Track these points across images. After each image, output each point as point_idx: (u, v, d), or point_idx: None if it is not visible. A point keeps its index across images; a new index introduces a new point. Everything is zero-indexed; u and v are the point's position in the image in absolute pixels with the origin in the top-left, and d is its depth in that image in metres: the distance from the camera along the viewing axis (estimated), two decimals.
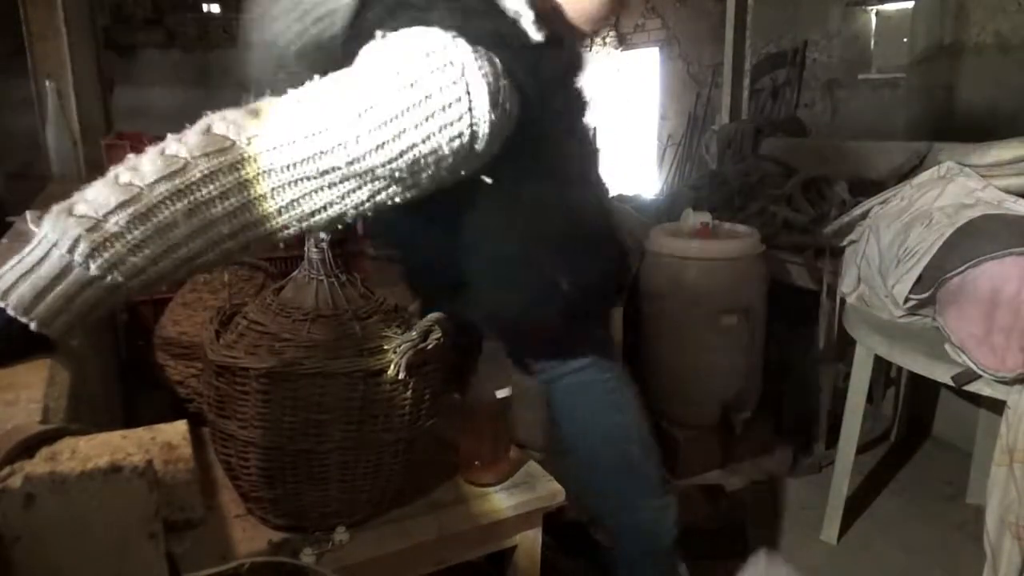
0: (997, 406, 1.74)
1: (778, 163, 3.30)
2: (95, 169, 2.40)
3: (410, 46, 0.88)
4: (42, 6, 2.58)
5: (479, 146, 0.89)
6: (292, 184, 0.87)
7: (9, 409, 0.76)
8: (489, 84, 0.86)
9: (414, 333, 1.22)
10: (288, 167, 0.87)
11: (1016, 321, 1.61)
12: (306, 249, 1.28)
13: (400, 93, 0.85)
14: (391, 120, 0.85)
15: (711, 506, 2.29)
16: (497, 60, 0.89)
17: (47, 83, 2.50)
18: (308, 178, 0.87)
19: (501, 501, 1.36)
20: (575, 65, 1.17)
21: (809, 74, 5.02)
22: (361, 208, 0.93)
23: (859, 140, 3.46)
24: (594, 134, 1.34)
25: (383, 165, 0.87)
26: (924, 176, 2.16)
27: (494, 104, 0.87)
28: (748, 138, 3.83)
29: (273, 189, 0.87)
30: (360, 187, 0.90)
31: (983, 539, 1.68)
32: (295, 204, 0.89)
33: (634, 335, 2.68)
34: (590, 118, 1.24)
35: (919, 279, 1.86)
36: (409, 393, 1.22)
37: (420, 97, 0.85)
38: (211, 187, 0.85)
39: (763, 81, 5.23)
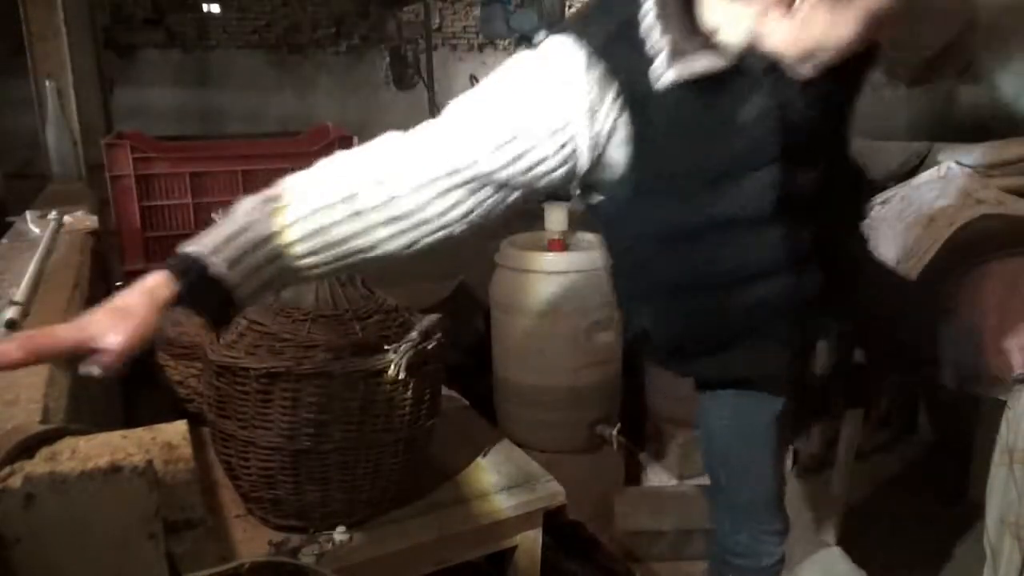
0: (997, 406, 1.74)
1: None
2: (95, 169, 2.40)
3: (533, 52, 0.93)
4: (42, 6, 2.57)
5: (581, 161, 0.92)
6: (431, 183, 0.90)
7: (9, 409, 0.76)
8: (591, 97, 0.89)
9: (414, 333, 1.22)
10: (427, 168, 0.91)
11: (1016, 321, 1.61)
12: None
13: (513, 98, 0.90)
14: (505, 126, 0.89)
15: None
16: (615, 82, 0.89)
17: (47, 83, 2.50)
18: (439, 178, 0.91)
19: (501, 501, 1.36)
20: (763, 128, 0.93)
21: None
22: (492, 212, 0.95)
23: (859, 140, 3.46)
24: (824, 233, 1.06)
25: (501, 169, 0.90)
26: (924, 176, 2.16)
27: (592, 118, 0.89)
28: None
29: (416, 188, 0.91)
30: (481, 190, 0.93)
31: (983, 539, 1.68)
32: (433, 203, 0.91)
33: None
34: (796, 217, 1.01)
35: (919, 279, 1.86)
36: (409, 393, 1.22)
37: (530, 102, 0.89)
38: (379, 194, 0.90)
39: None
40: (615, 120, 0.91)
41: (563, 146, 0.90)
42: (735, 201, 0.98)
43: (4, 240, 1.65)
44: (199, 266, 0.82)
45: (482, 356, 2.67)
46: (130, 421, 1.53)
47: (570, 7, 8.32)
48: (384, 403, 1.20)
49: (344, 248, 0.90)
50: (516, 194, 0.95)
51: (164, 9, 7.42)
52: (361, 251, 0.91)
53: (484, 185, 0.92)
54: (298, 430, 1.17)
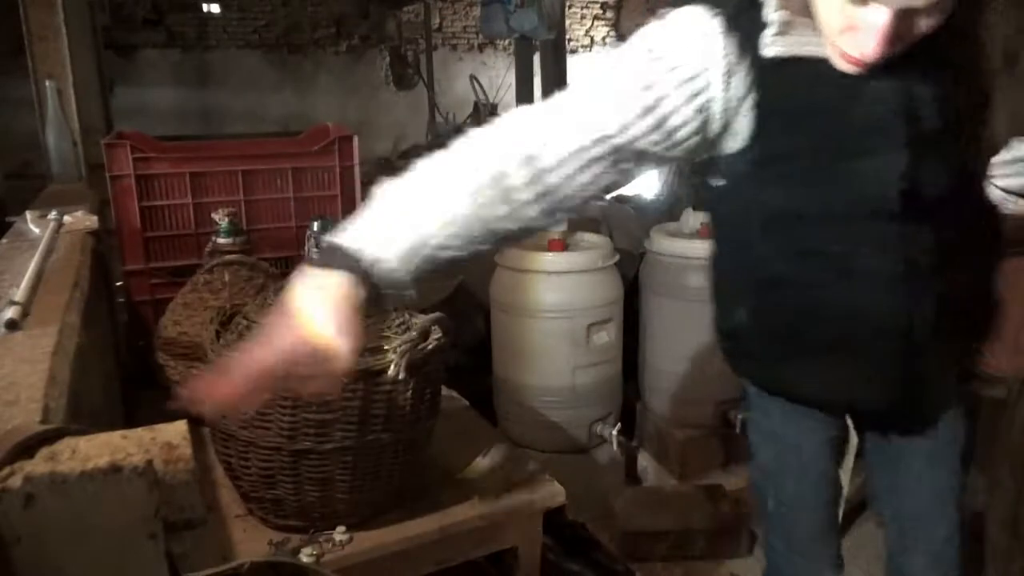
0: (997, 406, 1.74)
1: None
2: (95, 169, 2.40)
3: (666, 21, 0.94)
4: (42, 6, 2.57)
5: (713, 127, 0.93)
6: (576, 155, 0.90)
7: (9, 409, 0.76)
8: (728, 61, 0.90)
9: (414, 333, 1.22)
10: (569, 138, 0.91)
11: (1014, 321, 1.61)
12: (306, 249, 1.28)
13: (653, 65, 0.91)
14: (648, 93, 0.90)
15: (711, 506, 2.29)
16: (746, 49, 0.91)
17: (47, 83, 2.50)
18: (584, 149, 0.90)
19: (501, 501, 1.36)
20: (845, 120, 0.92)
21: None
22: (622, 184, 0.97)
23: None
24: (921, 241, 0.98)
25: (644, 136, 0.91)
26: None
27: (728, 82, 0.90)
28: None
29: (561, 161, 0.90)
30: (622, 160, 0.93)
31: (983, 539, 1.68)
32: (576, 176, 0.91)
33: (634, 335, 2.68)
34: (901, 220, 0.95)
35: None
36: (409, 393, 1.22)
37: (670, 68, 0.90)
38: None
39: None
40: (746, 86, 0.91)
41: (701, 110, 0.91)
42: (853, 187, 0.95)
43: (4, 240, 1.65)
44: (394, 277, 0.82)
45: (482, 356, 2.67)
46: (130, 421, 1.53)
47: (570, 7, 8.33)
48: (384, 403, 1.20)
49: (494, 237, 0.89)
50: (648, 165, 0.96)
51: (164, 9, 7.43)
52: (508, 235, 0.90)
53: (625, 154, 0.92)
54: (298, 430, 1.17)
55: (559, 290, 2.37)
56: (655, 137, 0.91)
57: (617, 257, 2.53)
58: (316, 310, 0.77)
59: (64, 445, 0.61)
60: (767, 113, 0.92)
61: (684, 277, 2.52)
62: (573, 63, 6.02)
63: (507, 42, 8.17)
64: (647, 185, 4.54)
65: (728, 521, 2.24)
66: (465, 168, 0.88)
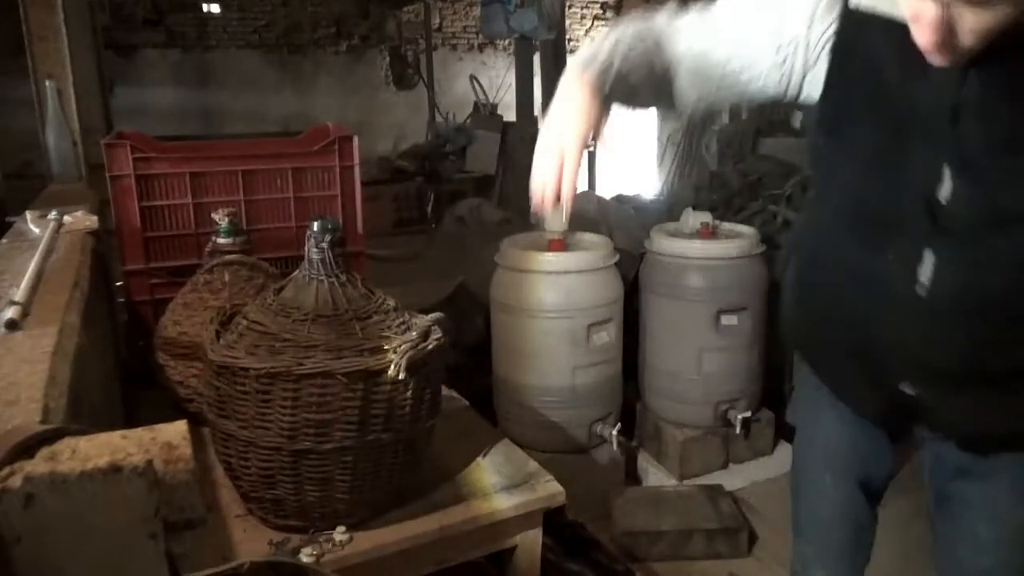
0: None
1: (778, 163, 3.30)
2: (95, 169, 2.40)
3: None
4: (42, 6, 2.57)
5: (796, 69, 1.02)
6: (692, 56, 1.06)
7: (9, 409, 0.76)
8: (814, 8, 0.98)
9: (414, 333, 1.22)
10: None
11: None
12: (306, 249, 1.28)
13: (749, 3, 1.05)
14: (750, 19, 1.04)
15: (711, 506, 2.30)
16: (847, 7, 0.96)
17: (47, 83, 2.50)
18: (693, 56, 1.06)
19: (501, 501, 1.36)
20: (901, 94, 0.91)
21: None
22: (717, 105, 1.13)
23: None
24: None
25: (729, 60, 1.03)
26: None
27: (810, 27, 0.99)
28: (748, 138, 3.83)
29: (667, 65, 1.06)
30: (706, 80, 1.06)
31: None
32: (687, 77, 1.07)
33: (634, 335, 2.68)
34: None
35: None
36: (409, 393, 1.22)
37: (758, 10, 1.03)
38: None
39: None
40: (830, 32, 0.97)
41: (777, 50, 1.01)
42: (894, 185, 0.93)
43: (4, 240, 1.65)
44: (603, 65, 1.02)
45: (482, 356, 2.67)
46: (130, 421, 1.53)
47: (570, 7, 8.32)
48: (384, 403, 1.20)
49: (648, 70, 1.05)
50: (734, 88, 1.06)
51: (164, 9, 7.42)
52: (660, 75, 1.06)
53: (707, 75, 1.05)
54: (298, 430, 1.17)
55: (559, 290, 2.36)
56: (737, 65, 1.03)
57: (617, 257, 2.53)
58: (578, 91, 1.05)
59: (64, 445, 0.61)
60: (838, 60, 0.97)
61: (684, 277, 2.52)
62: None
63: (507, 42, 8.17)
64: (647, 185, 4.54)
65: (728, 521, 2.24)
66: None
